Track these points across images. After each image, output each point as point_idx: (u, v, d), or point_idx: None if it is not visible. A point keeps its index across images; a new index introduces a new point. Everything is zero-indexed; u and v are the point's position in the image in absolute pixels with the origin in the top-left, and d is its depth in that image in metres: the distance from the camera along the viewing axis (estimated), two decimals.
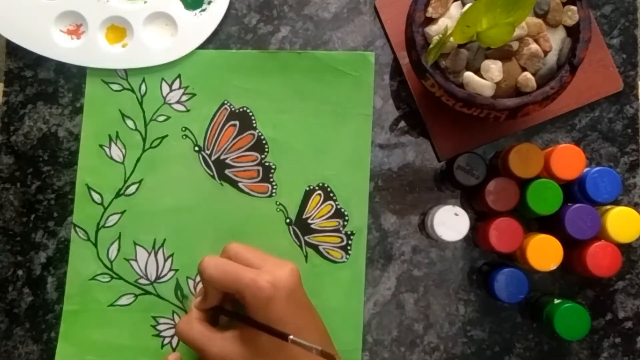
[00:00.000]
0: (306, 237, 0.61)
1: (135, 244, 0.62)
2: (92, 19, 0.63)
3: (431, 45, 0.53)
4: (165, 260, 0.61)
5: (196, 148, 0.62)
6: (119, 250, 0.61)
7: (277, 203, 0.62)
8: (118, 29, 0.64)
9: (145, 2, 0.63)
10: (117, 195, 0.62)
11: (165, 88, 0.63)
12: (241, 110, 0.63)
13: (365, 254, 0.61)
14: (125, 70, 0.63)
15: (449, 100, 0.55)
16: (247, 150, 0.62)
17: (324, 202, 0.62)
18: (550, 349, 0.61)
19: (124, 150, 0.63)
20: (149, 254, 0.61)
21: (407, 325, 0.61)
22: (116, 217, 0.62)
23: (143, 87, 0.63)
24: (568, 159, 0.56)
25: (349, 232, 0.61)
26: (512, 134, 0.63)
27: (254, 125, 0.63)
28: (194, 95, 0.63)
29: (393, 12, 0.64)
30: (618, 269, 0.56)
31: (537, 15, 0.54)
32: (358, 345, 0.60)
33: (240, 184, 0.62)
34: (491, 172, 0.58)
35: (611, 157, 0.63)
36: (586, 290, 0.61)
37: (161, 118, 0.63)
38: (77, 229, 0.62)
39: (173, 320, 0.61)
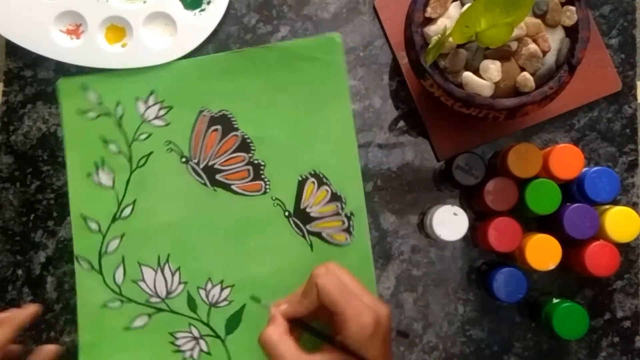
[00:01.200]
0: (307, 226, 0.61)
1: (140, 264, 0.61)
2: (92, 19, 0.63)
3: (430, 46, 0.53)
4: (172, 275, 0.61)
5: (183, 159, 0.62)
6: (124, 273, 0.61)
7: (273, 198, 0.62)
8: (117, 29, 0.64)
9: (144, 2, 0.63)
10: (114, 220, 0.61)
11: (141, 106, 0.63)
12: (220, 114, 0.63)
13: (368, 232, 0.61)
14: (99, 95, 0.63)
15: (448, 100, 0.55)
16: (233, 152, 0.62)
17: (318, 188, 0.62)
18: (549, 349, 0.61)
19: (112, 175, 0.62)
20: (155, 271, 0.61)
21: (406, 324, 0.61)
22: (116, 241, 0.61)
23: (119, 109, 0.63)
24: (567, 159, 0.56)
25: (348, 214, 0.61)
26: (510, 133, 0.63)
27: (236, 126, 0.62)
28: (171, 108, 0.63)
29: (392, 12, 0.64)
30: (616, 269, 0.56)
31: (535, 15, 0.54)
32: None
33: (233, 187, 0.62)
34: (490, 172, 0.58)
35: (610, 157, 0.63)
36: (585, 290, 0.61)
37: (143, 136, 0.62)
38: (80, 260, 0.61)
39: (190, 332, 0.60)
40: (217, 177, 0.62)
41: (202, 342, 0.60)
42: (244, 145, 0.62)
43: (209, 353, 0.60)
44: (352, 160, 0.62)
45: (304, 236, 0.61)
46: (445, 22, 0.54)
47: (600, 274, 0.56)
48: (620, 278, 0.61)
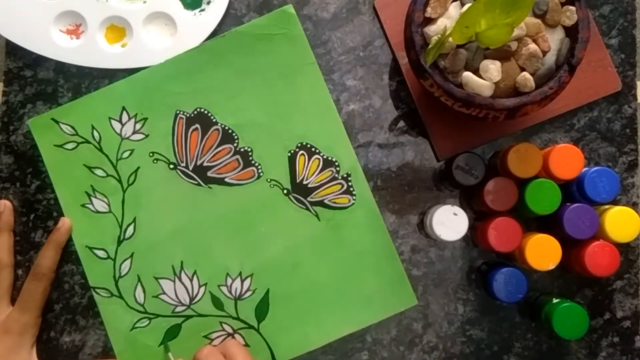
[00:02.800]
0: (308, 199, 0.62)
1: (156, 278, 0.61)
2: (92, 19, 0.63)
3: (430, 46, 0.53)
4: (191, 280, 0.61)
5: (171, 166, 0.62)
6: (144, 291, 0.61)
7: (268, 180, 0.62)
8: (117, 29, 0.64)
9: (144, 2, 0.63)
10: (119, 242, 0.62)
11: (117, 125, 0.63)
12: (196, 112, 0.63)
13: (369, 188, 0.62)
14: (72, 125, 0.62)
15: (447, 100, 0.55)
16: (218, 145, 0.62)
17: (309, 159, 0.62)
18: (549, 349, 0.61)
19: (106, 200, 0.62)
20: (174, 281, 0.61)
21: (406, 324, 0.61)
22: (128, 262, 0.61)
23: (95, 133, 0.62)
24: (567, 159, 0.56)
25: (345, 175, 0.62)
26: (510, 133, 0.63)
27: (214, 120, 0.63)
28: (146, 119, 0.63)
29: (392, 12, 0.64)
30: (616, 269, 0.56)
31: (535, 15, 0.54)
32: (401, 271, 0.60)
33: (226, 179, 0.62)
34: (490, 172, 0.58)
35: (610, 157, 0.63)
36: (584, 290, 0.61)
37: (126, 154, 0.62)
38: (98, 290, 0.61)
39: (224, 330, 0.61)
40: (209, 174, 0.62)
41: (237, 336, 0.61)
42: (227, 137, 0.62)
43: (247, 345, 0.60)
44: (335, 123, 0.62)
45: (307, 209, 0.62)
46: (445, 22, 0.54)
47: (600, 274, 0.56)
48: (620, 278, 0.61)
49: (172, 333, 0.61)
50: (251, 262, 0.61)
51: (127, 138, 0.62)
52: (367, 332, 0.61)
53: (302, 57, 0.63)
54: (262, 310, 0.61)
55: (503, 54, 0.53)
